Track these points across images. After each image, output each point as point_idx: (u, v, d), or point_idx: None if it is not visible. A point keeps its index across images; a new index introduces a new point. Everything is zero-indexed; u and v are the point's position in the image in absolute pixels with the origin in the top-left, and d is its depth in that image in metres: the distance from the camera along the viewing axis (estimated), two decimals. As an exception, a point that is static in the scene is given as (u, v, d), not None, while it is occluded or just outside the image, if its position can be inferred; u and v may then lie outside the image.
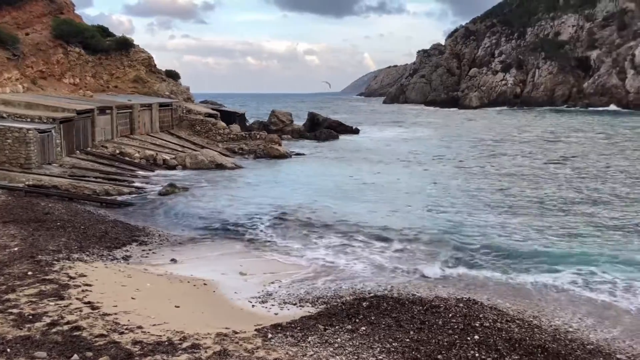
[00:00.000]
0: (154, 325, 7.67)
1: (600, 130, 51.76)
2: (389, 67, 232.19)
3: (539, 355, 7.33)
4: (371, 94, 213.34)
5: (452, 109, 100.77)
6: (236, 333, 7.61)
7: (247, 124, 45.81)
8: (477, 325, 8.19)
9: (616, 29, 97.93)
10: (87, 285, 9.28)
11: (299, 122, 49.78)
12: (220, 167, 27.46)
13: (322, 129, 46.11)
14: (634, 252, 13.38)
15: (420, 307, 8.96)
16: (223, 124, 37.65)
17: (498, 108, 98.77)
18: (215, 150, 31.31)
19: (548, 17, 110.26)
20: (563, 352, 7.55)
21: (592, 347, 8.19)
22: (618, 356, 8.04)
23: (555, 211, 17.98)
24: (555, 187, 22.54)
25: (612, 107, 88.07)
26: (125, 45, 41.74)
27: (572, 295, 10.85)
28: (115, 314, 7.98)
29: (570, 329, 9.15)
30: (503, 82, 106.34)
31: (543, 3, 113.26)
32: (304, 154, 34.15)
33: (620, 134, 48.32)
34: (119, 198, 19.53)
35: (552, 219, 16.80)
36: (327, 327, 8.04)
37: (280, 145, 34.42)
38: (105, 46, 40.42)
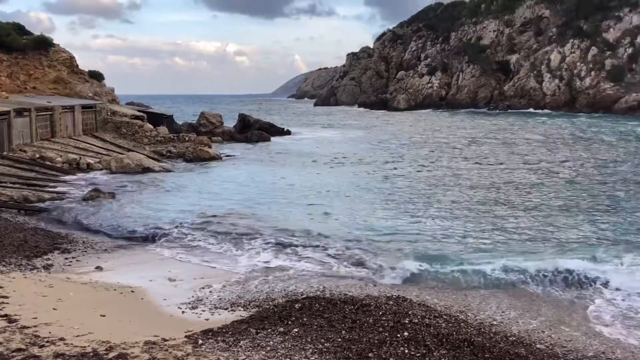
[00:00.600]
0: (78, 336, 7.34)
1: (521, 130, 54.30)
2: (320, 69, 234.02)
3: (465, 348, 7.58)
4: (302, 96, 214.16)
5: (381, 111, 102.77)
6: (165, 340, 7.42)
7: (176, 126, 44.85)
8: (406, 322, 8.37)
9: (533, 35, 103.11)
10: (3, 297, 8.77)
11: (230, 124, 49.27)
12: (147, 170, 26.73)
13: (253, 130, 45.83)
14: (551, 248, 14.12)
15: (352, 307, 9.06)
16: (150, 126, 36.68)
17: (425, 110, 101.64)
18: (142, 154, 30.44)
19: (470, 22, 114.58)
20: (487, 344, 7.84)
21: (514, 338, 8.57)
22: (538, 346, 8.45)
23: (481, 211, 18.67)
24: (479, 186, 23.43)
25: (532, 109, 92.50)
26: (43, 44, 39.90)
27: (496, 290, 11.31)
28: (35, 326, 7.58)
29: (495, 322, 9.53)
30: (429, 84, 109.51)
31: (466, 9, 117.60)
32: (235, 156, 33.82)
33: (540, 134, 50.82)
34: (40, 204, 18.60)
35: (477, 218, 17.45)
36: (259, 331, 7.98)
37: (210, 147, 33.93)
38: (22, 45, 38.48)
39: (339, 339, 7.63)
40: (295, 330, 8.00)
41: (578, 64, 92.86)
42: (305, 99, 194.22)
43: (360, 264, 12.72)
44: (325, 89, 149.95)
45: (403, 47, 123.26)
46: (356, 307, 9.04)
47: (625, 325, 9.61)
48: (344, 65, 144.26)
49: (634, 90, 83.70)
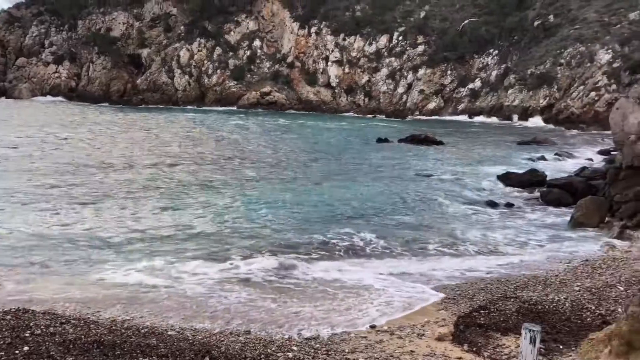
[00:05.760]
0: None
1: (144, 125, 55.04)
2: None
3: (94, 350, 7.31)
4: None
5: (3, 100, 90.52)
6: None
7: None
8: (27, 335, 7.59)
9: (163, 31, 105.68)
10: None
11: None
12: None
13: None
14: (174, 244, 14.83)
15: (-44, 330, 7.73)
16: None
17: (54, 99, 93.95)
18: None
19: (99, 12, 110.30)
20: (119, 341, 7.72)
21: (146, 330, 8.66)
22: (169, 333, 8.75)
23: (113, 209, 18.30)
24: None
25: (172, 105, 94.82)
26: None
27: (130, 287, 11.25)
28: None
29: (127, 318, 9.47)
30: (56, 74, 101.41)
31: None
32: None
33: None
34: None
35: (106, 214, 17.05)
36: None
37: None
38: None
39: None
40: None
41: (205, 62, 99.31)
42: None
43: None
44: None
45: (23, 31, 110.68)
46: (-38, 329, 7.75)
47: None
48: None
49: (253, 89, 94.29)
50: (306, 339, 8.98)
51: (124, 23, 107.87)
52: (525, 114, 64.64)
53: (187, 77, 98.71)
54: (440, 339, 9.03)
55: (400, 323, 9.96)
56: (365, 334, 9.36)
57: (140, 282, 11.42)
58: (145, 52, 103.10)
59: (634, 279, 11.38)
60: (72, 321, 8.54)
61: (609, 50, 61.56)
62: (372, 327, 9.77)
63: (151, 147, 34.90)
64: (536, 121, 61.66)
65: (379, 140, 42.21)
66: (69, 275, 11.59)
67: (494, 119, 67.18)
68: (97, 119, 57.24)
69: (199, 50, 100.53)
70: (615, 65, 58.48)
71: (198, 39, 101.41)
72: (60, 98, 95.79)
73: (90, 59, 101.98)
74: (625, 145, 18.43)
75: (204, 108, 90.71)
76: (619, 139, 18.97)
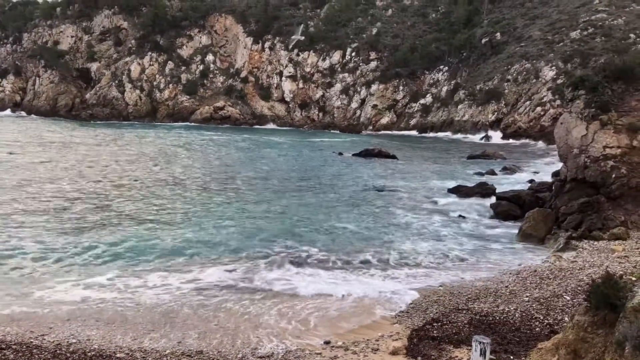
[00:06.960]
0: None
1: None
2: None
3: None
4: None
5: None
6: None
7: None
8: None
9: (113, 44, 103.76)
10: None
11: None
12: None
13: None
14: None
15: None
16: None
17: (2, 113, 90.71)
18: None
19: (46, 24, 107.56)
20: (63, 366, 7.43)
21: (93, 353, 8.36)
22: (118, 355, 8.46)
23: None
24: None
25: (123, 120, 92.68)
26: None
27: (78, 304, 10.84)
28: None
29: (74, 341, 9.11)
30: (0, 89, 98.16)
31: (39, 10, 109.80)
32: None
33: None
34: None
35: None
36: None
37: None
38: None
39: None
40: None
41: (157, 76, 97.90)
42: None
43: None
44: None
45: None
46: None
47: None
48: None
49: (207, 103, 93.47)
50: (260, 357, 8.85)
51: (72, 36, 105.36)
52: (476, 129, 66.31)
53: (138, 91, 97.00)
54: (394, 352, 9.06)
55: (354, 338, 9.94)
56: (319, 350, 9.29)
57: (89, 298, 11.07)
58: (94, 66, 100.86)
59: (579, 288, 11.72)
60: (13, 346, 8.18)
61: (553, 67, 63.97)
62: (327, 342, 9.71)
63: (99, 162, 34.04)
64: (490, 135, 63.06)
65: (334, 154, 42.47)
66: (9, 294, 11.09)
67: (447, 133, 68.47)
68: (53, 135, 55.53)
69: (150, 65, 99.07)
70: (559, 81, 60.69)
71: (149, 53, 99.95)
72: (8, 112, 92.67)
73: (36, 73, 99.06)
74: (569, 159, 19.12)
75: (156, 123, 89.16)
76: (563, 152, 19.67)
